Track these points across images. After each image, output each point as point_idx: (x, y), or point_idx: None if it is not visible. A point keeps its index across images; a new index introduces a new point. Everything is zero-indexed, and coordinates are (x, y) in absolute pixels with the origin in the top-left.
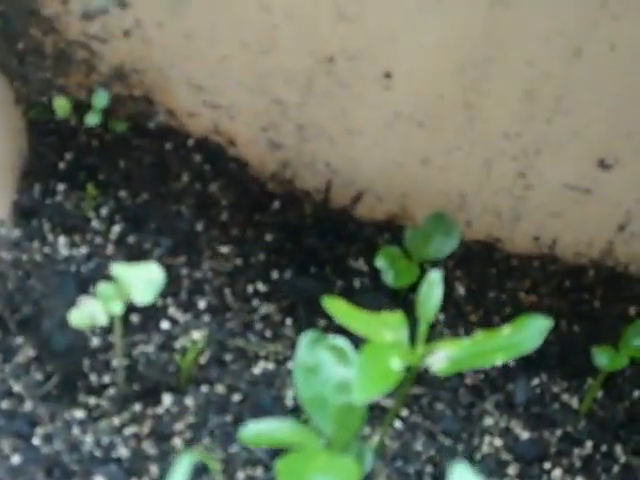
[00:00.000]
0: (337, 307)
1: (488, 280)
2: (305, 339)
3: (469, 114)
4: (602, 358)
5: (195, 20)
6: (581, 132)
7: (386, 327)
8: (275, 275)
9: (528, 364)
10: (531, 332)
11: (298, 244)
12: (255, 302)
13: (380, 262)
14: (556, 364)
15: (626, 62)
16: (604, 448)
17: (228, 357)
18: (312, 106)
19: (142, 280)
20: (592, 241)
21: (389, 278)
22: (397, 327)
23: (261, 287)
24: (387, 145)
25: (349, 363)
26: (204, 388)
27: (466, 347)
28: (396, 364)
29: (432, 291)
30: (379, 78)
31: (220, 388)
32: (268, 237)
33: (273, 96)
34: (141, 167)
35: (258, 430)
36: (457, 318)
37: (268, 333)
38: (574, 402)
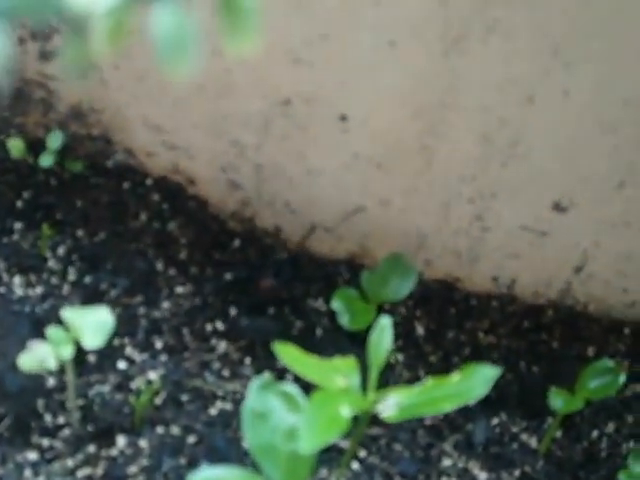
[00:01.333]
0: (287, 353)
1: (447, 320)
2: (255, 385)
3: (426, 157)
4: (557, 401)
5: (148, 62)
6: (536, 176)
7: (338, 373)
8: (234, 314)
9: (488, 404)
10: (478, 380)
11: (257, 283)
12: (213, 341)
13: (336, 304)
14: (515, 404)
15: (578, 108)
16: None
17: (185, 397)
18: (270, 147)
19: (92, 324)
20: (550, 281)
21: (345, 320)
22: (349, 373)
23: (220, 326)
24: (346, 186)
25: (299, 410)
26: (159, 429)
27: (416, 395)
28: (345, 411)
29: (382, 336)
30: (335, 121)
31: (175, 429)
32: (227, 276)
33: (231, 137)
34: (99, 206)
35: (206, 478)
36: (417, 359)
37: (226, 372)
38: (533, 442)
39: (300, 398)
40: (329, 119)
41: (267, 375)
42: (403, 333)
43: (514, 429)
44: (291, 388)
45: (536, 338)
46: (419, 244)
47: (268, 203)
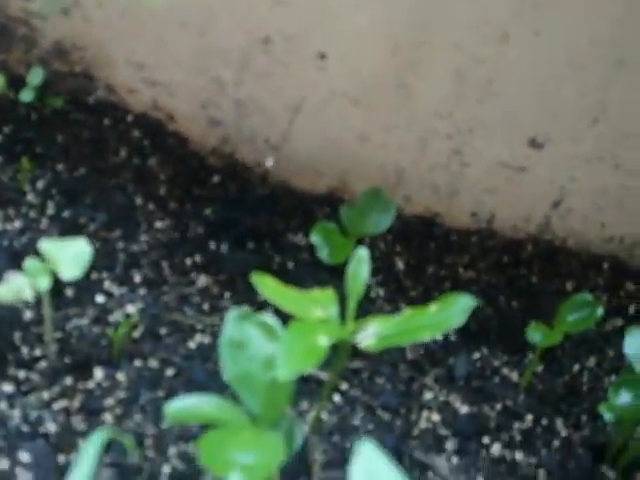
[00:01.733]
0: (266, 284)
1: (427, 255)
2: (232, 315)
3: (403, 94)
4: (536, 335)
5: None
6: (511, 112)
7: (316, 304)
8: (213, 248)
9: (468, 339)
10: (455, 310)
11: (237, 218)
12: (193, 275)
13: (315, 238)
14: (496, 339)
15: (549, 47)
16: (544, 422)
17: (163, 331)
18: (250, 83)
19: (70, 255)
20: (529, 216)
21: (324, 254)
22: (327, 304)
23: (199, 260)
24: (325, 122)
25: (277, 339)
26: (137, 362)
27: (394, 324)
28: (323, 340)
29: (360, 268)
30: (314, 58)
31: (153, 362)
32: (207, 211)
33: (211, 74)
34: (79, 141)
35: (183, 406)
36: (397, 293)
37: (206, 306)
38: (514, 376)
39: (278, 328)
40: (308, 57)
41: (245, 306)
42: (383, 268)
43: (495, 363)
44: (269, 318)
45: (515, 273)
46: (398, 179)
47: (248, 139)
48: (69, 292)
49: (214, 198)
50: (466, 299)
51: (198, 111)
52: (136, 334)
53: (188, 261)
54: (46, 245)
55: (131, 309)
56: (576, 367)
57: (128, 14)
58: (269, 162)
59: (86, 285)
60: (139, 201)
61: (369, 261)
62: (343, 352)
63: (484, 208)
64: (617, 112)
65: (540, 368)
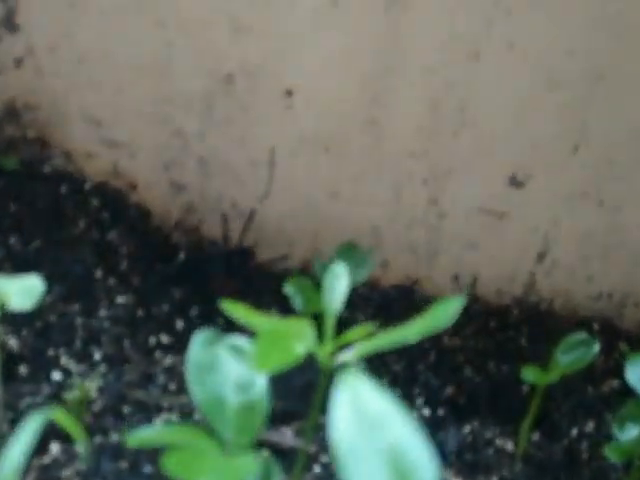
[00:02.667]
0: (236, 308)
1: None
2: (199, 338)
3: (374, 132)
4: (531, 375)
5: (87, 42)
6: (488, 146)
7: (292, 326)
8: (180, 327)
9: (458, 411)
10: (444, 311)
11: (206, 294)
12: (158, 354)
13: (289, 289)
14: (487, 408)
15: (524, 61)
16: None
17: (126, 409)
18: (213, 135)
19: (20, 288)
20: (513, 275)
21: (298, 303)
22: (303, 327)
23: (165, 340)
24: (294, 177)
25: (249, 361)
26: (97, 438)
27: (378, 337)
28: (300, 348)
29: (337, 282)
30: (280, 96)
31: (115, 437)
32: (172, 287)
33: (173, 126)
34: (34, 212)
35: (147, 434)
36: (379, 368)
37: (172, 386)
38: (509, 446)
39: (251, 349)
40: (273, 94)
41: (211, 329)
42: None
43: (487, 434)
44: (240, 340)
45: (503, 337)
46: (374, 240)
47: (214, 206)
48: (22, 370)
49: (179, 275)
50: (455, 300)
51: (161, 175)
52: (96, 408)
53: (152, 340)
54: None
55: (90, 386)
56: (574, 432)
57: (84, 60)
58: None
59: (41, 362)
60: (99, 274)
61: (347, 276)
62: (324, 379)
63: (466, 269)
64: (599, 135)
65: (536, 435)
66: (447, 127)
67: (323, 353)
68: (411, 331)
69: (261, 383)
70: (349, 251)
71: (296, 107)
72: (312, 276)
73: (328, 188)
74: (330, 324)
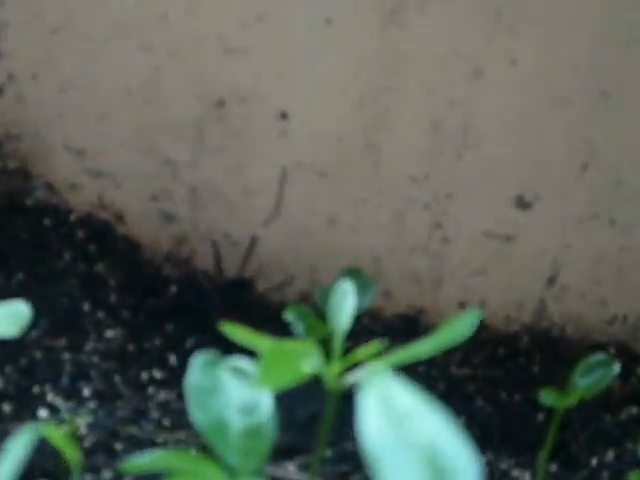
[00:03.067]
0: (237, 331)
1: None
2: (199, 361)
3: (373, 157)
4: (549, 399)
5: (71, 68)
6: (493, 167)
7: (297, 345)
8: (173, 362)
9: (471, 443)
10: (460, 325)
11: (200, 328)
12: (150, 390)
13: (290, 315)
14: (501, 439)
15: (527, 78)
16: None
17: (118, 446)
18: (205, 164)
19: (6, 314)
20: (522, 301)
21: (299, 329)
22: (309, 347)
23: (157, 374)
24: (290, 206)
25: (253, 379)
26: (88, 477)
27: (389, 355)
28: (307, 367)
29: (344, 300)
30: (274, 121)
31: (108, 474)
32: (164, 321)
33: (162, 155)
34: (17, 246)
35: (145, 460)
36: None
37: (167, 422)
38: (526, 478)
39: (254, 370)
40: (268, 119)
41: (211, 351)
42: None
43: (503, 466)
44: (243, 362)
45: (514, 365)
46: (375, 270)
47: (206, 236)
48: (6, 408)
49: (172, 308)
50: (471, 313)
51: (149, 205)
52: (86, 444)
53: (144, 375)
54: None
55: (79, 422)
56: (594, 462)
57: (67, 88)
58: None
59: (26, 399)
60: (87, 308)
61: (354, 295)
62: (333, 400)
63: (472, 295)
64: (607, 153)
65: (554, 466)
66: (449, 149)
67: (331, 373)
68: (425, 346)
69: (266, 405)
70: (351, 277)
71: (291, 132)
72: (312, 306)
73: (326, 215)
74: (338, 343)
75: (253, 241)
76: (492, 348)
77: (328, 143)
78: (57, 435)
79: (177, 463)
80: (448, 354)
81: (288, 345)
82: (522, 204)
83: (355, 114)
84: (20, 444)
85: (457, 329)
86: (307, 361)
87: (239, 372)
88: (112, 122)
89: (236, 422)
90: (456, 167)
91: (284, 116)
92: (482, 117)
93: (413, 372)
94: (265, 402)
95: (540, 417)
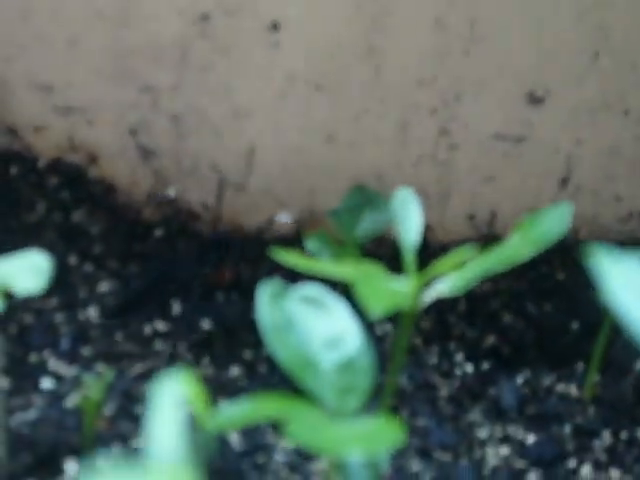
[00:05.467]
0: (290, 256)
1: None
2: (264, 294)
3: (374, 63)
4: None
5: None
6: (503, 61)
7: (364, 268)
8: (177, 310)
9: (505, 362)
10: (551, 221)
11: (194, 271)
12: (157, 344)
13: (312, 245)
14: (537, 354)
15: None
16: (625, 435)
17: (139, 409)
18: (189, 87)
19: (24, 268)
20: (535, 206)
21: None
22: (376, 268)
23: (160, 326)
24: (283, 124)
25: (332, 313)
26: (117, 446)
27: (471, 266)
28: (401, 285)
29: (409, 210)
30: (265, 32)
31: (137, 444)
32: (157, 266)
33: (140, 82)
34: None
35: (231, 410)
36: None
37: None
38: (572, 390)
39: (330, 299)
40: (257, 30)
41: (276, 281)
42: None
43: (545, 382)
44: (314, 290)
45: (536, 274)
46: (378, 186)
47: (190, 169)
48: (4, 383)
49: (160, 253)
50: (558, 208)
51: (126, 141)
52: (108, 413)
53: (147, 328)
54: None
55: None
56: (638, 366)
57: (29, 14)
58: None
59: (25, 370)
60: (72, 261)
61: (417, 202)
62: (408, 321)
63: (482, 206)
64: (620, 39)
65: (596, 376)
66: (456, 46)
67: (409, 291)
68: (519, 248)
69: (356, 337)
70: (361, 196)
71: (283, 44)
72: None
73: (323, 133)
74: (410, 258)
75: (221, 184)
76: None
77: (324, 52)
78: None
79: (271, 410)
80: None
81: (368, 268)
82: (533, 100)
83: (352, 17)
84: (168, 401)
85: (551, 223)
86: (396, 281)
87: (315, 302)
88: (82, 50)
89: (325, 358)
90: (464, 65)
91: (275, 27)
92: (489, 8)
93: None
94: (353, 333)
95: (575, 326)
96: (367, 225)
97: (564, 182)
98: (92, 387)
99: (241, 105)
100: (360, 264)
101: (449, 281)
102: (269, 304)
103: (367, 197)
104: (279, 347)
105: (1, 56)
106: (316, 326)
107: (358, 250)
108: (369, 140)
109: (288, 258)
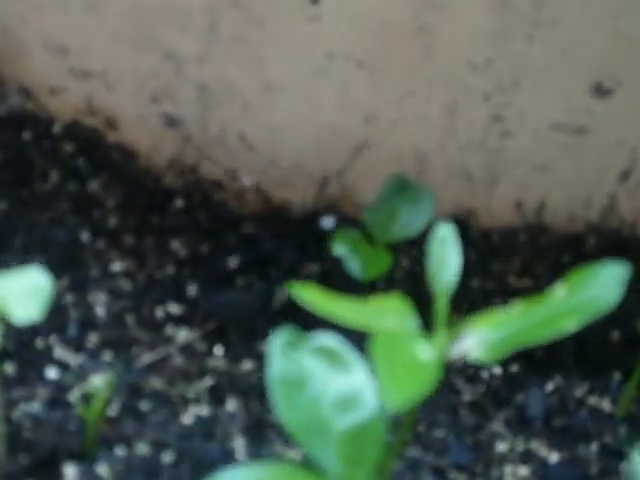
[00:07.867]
0: (312, 295)
1: (467, 266)
2: (278, 343)
3: (424, 42)
4: None
5: None
6: (570, 49)
7: (387, 315)
8: (192, 293)
9: (536, 367)
10: (602, 284)
11: (217, 248)
12: (169, 329)
13: (340, 249)
14: (571, 362)
15: None
16: None
17: (145, 406)
18: (217, 57)
19: (23, 290)
20: (589, 198)
21: (355, 268)
22: (401, 311)
23: (174, 309)
24: (319, 101)
25: (349, 369)
26: (120, 450)
27: (508, 322)
28: (426, 353)
29: (447, 250)
30: (304, 4)
31: (143, 448)
32: (175, 244)
33: (163, 49)
34: None
35: (232, 476)
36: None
37: (193, 368)
38: (605, 405)
39: (347, 353)
40: (295, 3)
41: (291, 328)
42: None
43: (577, 393)
44: (332, 341)
45: None
46: (418, 169)
47: (216, 140)
48: (9, 369)
49: (180, 227)
50: (614, 267)
51: (147, 108)
52: (111, 412)
53: (160, 312)
54: None
55: (97, 381)
56: None
57: None
58: (248, 180)
59: (31, 356)
60: (85, 237)
61: (456, 243)
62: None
63: (531, 193)
64: None
65: (634, 391)
66: (518, 28)
67: (438, 344)
68: (564, 320)
69: (370, 397)
70: (399, 187)
71: (323, 17)
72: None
73: (362, 111)
74: (442, 311)
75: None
76: (555, 254)
77: (368, 28)
78: None
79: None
80: (505, 262)
81: (391, 324)
82: (601, 91)
83: None
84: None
85: (600, 289)
86: (421, 345)
87: (329, 354)
88: (101, 12)
89: (336, 421)
90: (526, 51)
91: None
92: None
93: (465, 288)
94: (369, 393)
95: (615, 335)
96: (404, 222)
97: (625, 176)
98: (95, 395)
99: (274, 79)
100: (382, 306)
101: (482, 339)
102: (281, 354)
103: (405, 189)
104: (287, 406)
105: (16, 15)
106: (330, 383)
107: (390, 254)
108: (412, 122)
109: (307, 300)
